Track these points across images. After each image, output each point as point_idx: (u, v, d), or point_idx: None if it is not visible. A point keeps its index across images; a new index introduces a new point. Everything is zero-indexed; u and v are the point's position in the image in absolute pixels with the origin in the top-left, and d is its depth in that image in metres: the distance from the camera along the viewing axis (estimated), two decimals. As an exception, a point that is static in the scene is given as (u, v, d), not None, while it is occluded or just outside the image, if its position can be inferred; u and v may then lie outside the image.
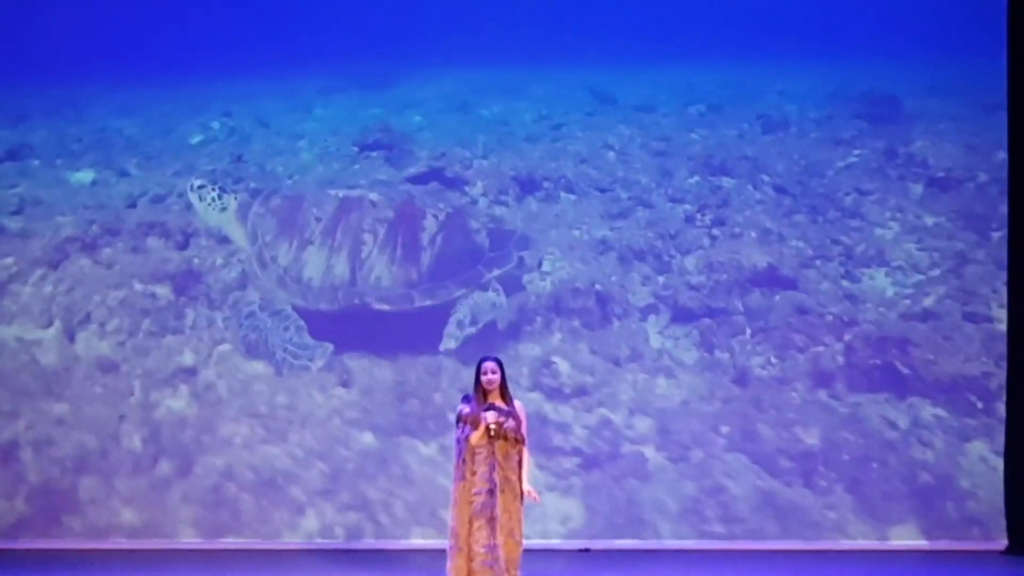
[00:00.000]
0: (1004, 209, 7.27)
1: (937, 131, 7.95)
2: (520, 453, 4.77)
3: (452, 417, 4.82)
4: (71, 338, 7.47)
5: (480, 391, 4.76)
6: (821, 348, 6.78)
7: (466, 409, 4.77)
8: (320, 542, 6.89)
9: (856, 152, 8.10)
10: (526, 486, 4.76)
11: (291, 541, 6.88)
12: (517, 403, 4.83)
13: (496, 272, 7.24)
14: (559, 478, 6.81)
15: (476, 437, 4.70)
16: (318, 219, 7.50)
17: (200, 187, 7.77)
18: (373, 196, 7.57)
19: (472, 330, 7.10)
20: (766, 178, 8.12)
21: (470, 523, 4.69)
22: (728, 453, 6.74)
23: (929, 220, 7.64)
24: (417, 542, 6.78)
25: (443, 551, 4.79)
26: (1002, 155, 7.48)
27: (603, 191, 8.23)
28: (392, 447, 7.04)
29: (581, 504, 6.75)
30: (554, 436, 6.84)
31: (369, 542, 6.86)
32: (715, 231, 7.80)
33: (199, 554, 6.79)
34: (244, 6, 8.75)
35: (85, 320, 7.47)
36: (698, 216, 7.86)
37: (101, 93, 8.61)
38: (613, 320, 7.40)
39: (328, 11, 8.69)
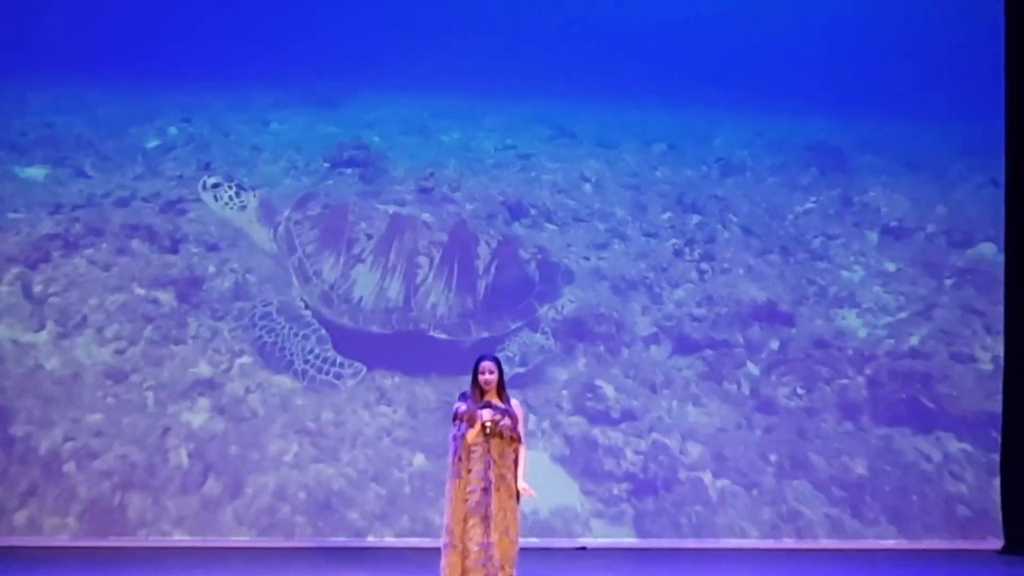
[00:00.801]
0: (955, 259, 8.21)
1: (884, 183, 8.88)
2: (516, 451, 4.89)
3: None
4: (69, 343, 7.47)
5: (477, 389, 4.88)
6: (846, 380, 7.22)
7: (462, 407, 4.89)
8: (310, 540, 7.03)
9: (813, 199, 8.89)
10: (522, 484, 4.87)
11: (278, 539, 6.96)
12: (514, 401, 4.95)
13: (546, 307, 7.53)
14: (608, 504, 6.99)
15: (472, 435, 4.82)
16: (368, 235, 7.50)
17: (215, 185, 7.76)
18: (426, 217, 7.67)
19: (521, 370, 7.31)
20: (734, 218, 8.74)
21: (464, 521, 4.78)
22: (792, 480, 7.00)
23: (890, 266, 8.42)
24: (411, 540, 6.94)
25: (437, 549, 4.85)
26: (943, 209, 8.56)
27: (581, 221, 8.68)
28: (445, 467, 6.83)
29: (633, 529, 6.92)
30: (605, 461, 7.02)
31: (363, 540, 7.05)
32: (703, 265, 8.25)
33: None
34: (195, 14, 9.04)
35: (81, 324, 7.45)
36: (687, 250, 8.31)
37: (41, 87, 8.60)
38: (622, 348, 7.55)
39: (281, 27, 9.15)
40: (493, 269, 7.54)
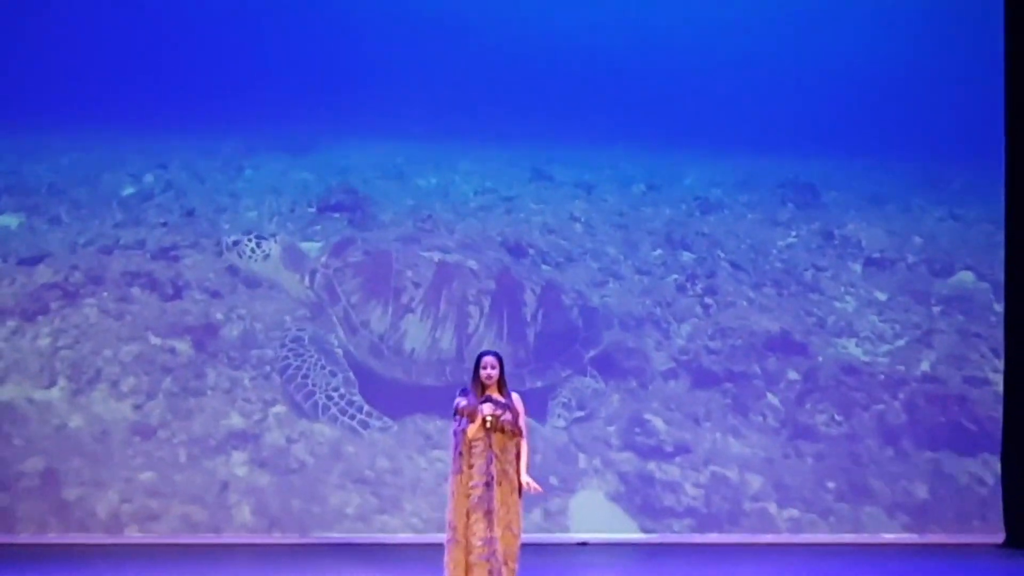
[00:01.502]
0: (939, 287, 8.75)
1: (858, 218, 9.47)
2: (518, 446, 4.99)
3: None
4: (84, 399, 7.56)
5: (478, 385, 4.99)
6: (882, 406, 7.55)
7: (463, 402, 4.98)
8: (317, 536, 7.17)
9: (793, 233, 9.35)
10: (525, 478, 4.97)
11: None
12: (515, 395, 5.05)
13: (592, 353, 7.73)
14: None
15: (473, 430, 4.90)
16: (416, 284, 7.57)
17: (235, 243, 8.00)
18: (472, 264, 7.86)
19: (581, 414, 7.54)
20: (721, 254, 9.13)
21: (467, 516, 4.88)
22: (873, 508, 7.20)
23: (880, 295, 8.87)
24: (414, 536, 7.11)
25: (440, 544, 4.98)
26: (919, 240, 9.15)
27: (573, 260, 8.92)
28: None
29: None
30: (664, 496, 7.19)
31: (363, 536, 7.22)
32: (707, 300, 8.57)
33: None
34: (160, 61, 9.22)
35: (95, 378, 7.53)
36: (688, 285, 8.63)
37: (4, 134, 8.67)
38: (648, 383, 7.73)
39: (249, 74, 9.39)
40: (540, 316, 7.80)
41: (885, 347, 8.55)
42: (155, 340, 7.65)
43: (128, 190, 8.74)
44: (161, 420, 7.45)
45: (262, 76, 9.45)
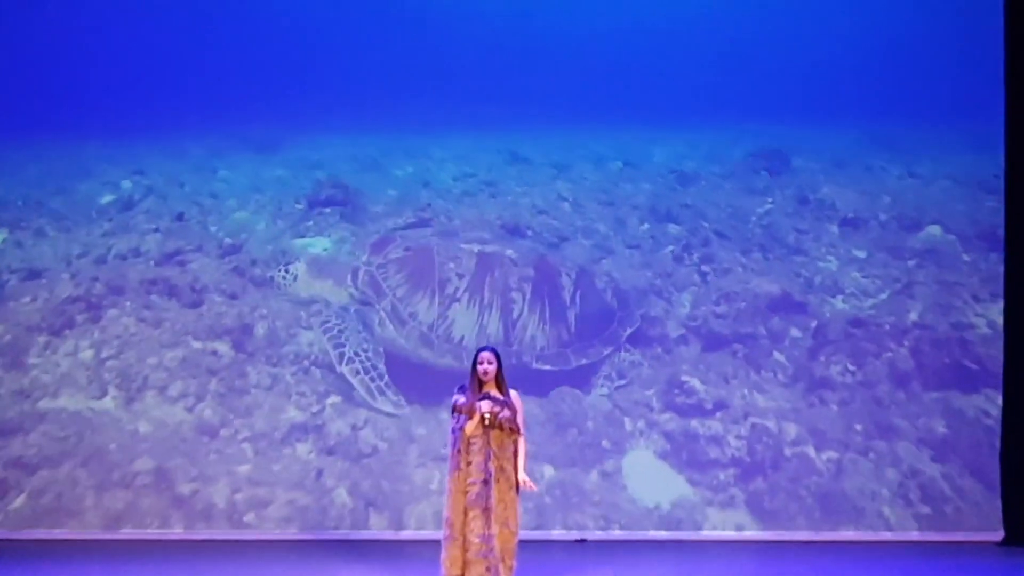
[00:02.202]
0: (911, 242, 9.48)
1: (831, 180, 10.14)
2: (516, 443, 5.13)
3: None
4: (139, 405, 7.90)
5: (476, 381, 5.12)
6: (890, 353, 8.11)
7: (461, 399, 5.11)
8: (314, 533, 7.55)
9: (770, 200, 9.92)
10: (522, 476, 5.11)
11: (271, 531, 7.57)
12: (513, 393, 5.18)
13: (629, 331, 8.35)
14: (715, 491, 7.66)
15: (471, 427, 5.03)
16: (459, 275, 8.10)
17: (271, 278, 8.37)
18: (510, 253, 8.39)
19: (622, 382, 8.18)
20: (705, 224, 9.59)
21: (465, 513, 5.01)
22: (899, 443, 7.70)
23: (859, 253, 9.54)
24: (410, 532, 7.44)
25: (438, 541, 5.11)
26: (888, 199, 9.88)
27: (565, 240, 9.36)
28: (574, 475, 7.72)
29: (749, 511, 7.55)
30: (709, 450, 7.73)
31: (361, 532, 7.56)
32: (704, 268, 9.11)
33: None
34: (120, 66, 9.47)
35: (144, 385, 7.92)
36: (685, 256, 9.16)
37: None
38: (672, 348, 8.38)
39: (212, 74, 9.73)
40: (579, 299, 8.34)
41: (870, 301, 9.24)
42: (196, 344, 7.99)
43: (107, 198, 9.00)
44: (223, 419, 7.75)
45: (226, 77, 9.70)
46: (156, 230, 8.77)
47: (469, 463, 5.04)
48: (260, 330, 8.14)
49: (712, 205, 9.78)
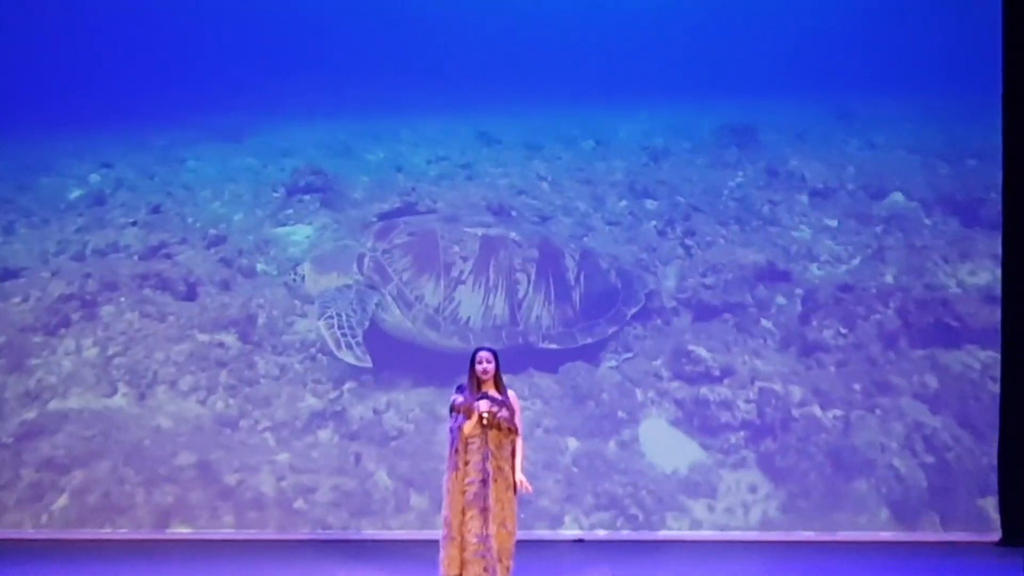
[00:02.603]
0: (877, 209, 9.91)
1: (798, 153, 10.52)
2: (514, 443, 5.21)
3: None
4: (153, 401, 8.03)
5: (474, 381, 5.20)
6: (878, 315, 8.46)
7: (460, 399, 5.18)
8: (312, 532, 7.72)
9: (741, 173, 10.24)
10: (519, 476, 5.19)
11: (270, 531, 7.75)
12: (511, 393, 5.27)
13: (634, 310, 8.64)
14: (727, 454, 7.99)
15: (469, 426, 5.09)
16: (464, 258, 8.29)
17: (285, 283, 8.49)
18: (514, 235, 8.62)
19: (629, 355, 8.46)
20: (681, 199, 9.86)
21: (463, 513, 5.08)
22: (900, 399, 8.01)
23: (830, 222, 9.94)
24: (409, 532, 7.64)
25: (436, 541, 5.20)
26: (852, 169, 10.33)
27: (546, 219, 9.56)
28: (596, 446, 7.97)
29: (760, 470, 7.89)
30: (720, 415, 8.04)
31: (360, 533, 7.76)
32: (688, 241, 9.37)
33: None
34: (80, 56, 9.40)
35: (154, 381, 8.03)
36: (668, 230, 9.42)
37: None
38: (672, 320, 8.67)
39: (173, 63, 9.71)
40: (583, 280, 8.59)
41: (844, 267, 9.65)
42: (203, 337, 8.04)
43: (75, 192, 8.96)
44: (241, 411, 7.87)
45: (188, 65, 9.63)
46: (133, 223, 8.71)
47: (467, 463, 5.12)
48: (262, 320, 8.21)
49: (686, 180, 10.02)
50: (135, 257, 8.60)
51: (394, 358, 8.18)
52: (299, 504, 7.62)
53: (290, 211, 8.97)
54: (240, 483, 7.62)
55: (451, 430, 5.21)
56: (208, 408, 7.91)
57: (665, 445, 7.83)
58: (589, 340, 8.33)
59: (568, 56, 10.44)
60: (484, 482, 5.07)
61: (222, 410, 7.94)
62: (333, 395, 7.95)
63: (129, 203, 9.00)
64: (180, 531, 7.74)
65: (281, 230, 8.83)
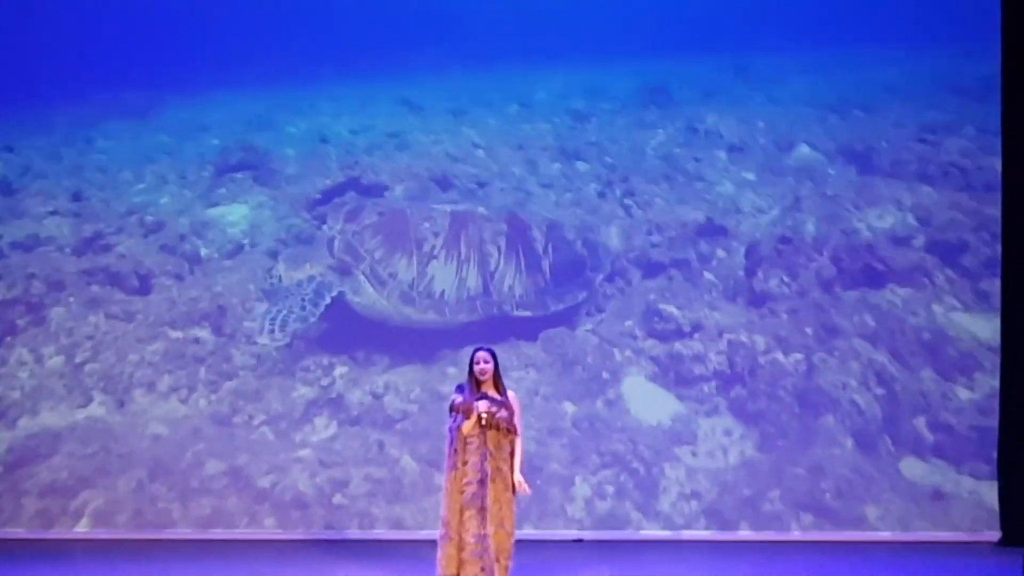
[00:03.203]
0: (788, 161, 10.60)
1: (712, 110, 11.02)
2: (512, 443, 5.35)
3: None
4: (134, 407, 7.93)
5: (473, 381, 5.35)
6: (815, 263, 8.98)
7: (459, 399, 5.31)
8: (306, 532, 7.81)
9: (662, 132, 10.67)
10: (517, 477, 5.33)
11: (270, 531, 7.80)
12: (510, 393, 5.41)
13: (600, 276, 9.01)
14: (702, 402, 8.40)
15: (468, 427, 5.23)
16: (435, 234, 8.52)
17: (265, 289, 8.38)
18: (482, 210, 8.90)
19: (601, 316, 8.81)
20: (608, 159, 10.12)
21: (461, 512, 5.21)
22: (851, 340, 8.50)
23: (749, 176, 10.54)
24: (408, 532, 7.81)
25: (434, 541, 5.31)
26: (762, 124, 10.99)
27: (484, 184, 9.68)
28: (589, 407, 8.32)
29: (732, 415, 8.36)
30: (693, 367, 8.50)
31: (359, 532, 7.87)
32: (627, 201, 9.61)
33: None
34: None
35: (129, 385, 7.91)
36: (608, 191, 9.66)
37: None
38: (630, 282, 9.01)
39: (72, 38, 9.34)
40: (551, 250, 8.89)
41: (766, 218, 10.30)
42: (176, 334, 7.91)
43: None
44: (232, 407, 7.75)
45: (87, 37, 9.13)
46: (54, 213, 8.28)
47: (465, 463, 5.22)
48: (229, 310, 8.10)
49: (612, 141, 10.19)
50: (67, 251, 8.20)
51: (374, 340, 8.22)
52: (338, 499, 7.65)
53: (222, 191, 8.72)
54: (275, 484, 7.58)
55: (450, 430, 5.30)
56: (192, 407, 7.80)
57: (646, 400, 8.21)
58: (561, 307, 8.65)
59: (483, 19, 10.34)
60: (482, 482, 5.19)
61: (212, 409, 7.83)
62: (325, 382, 7.93)
63: (45, 191, 8.55)
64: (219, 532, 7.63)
65: (215, 211, 8.53)
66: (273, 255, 8.52)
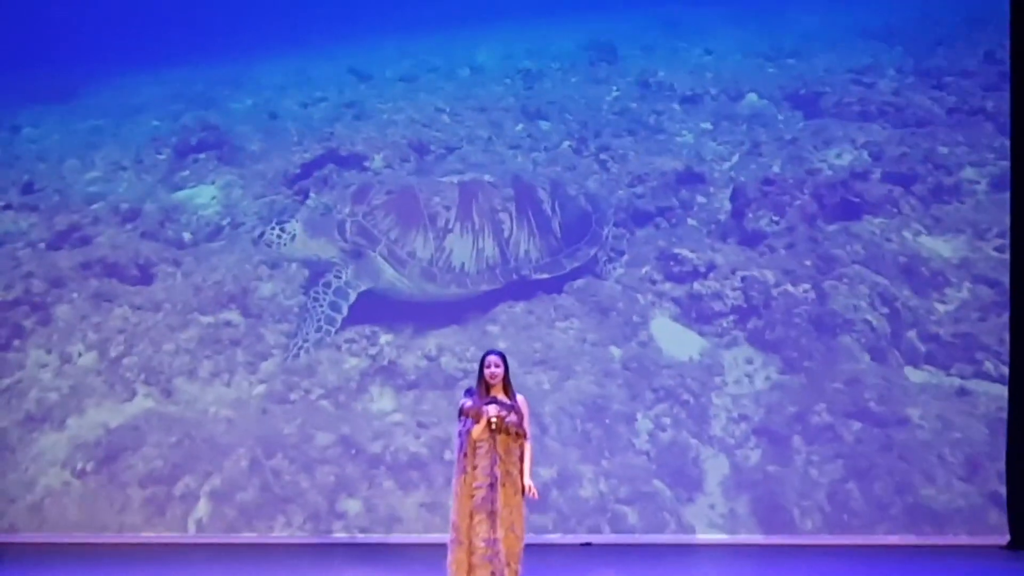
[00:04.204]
0: (739, 109, 10.90)
1: (660, 64, 11.26)
2: (522, 447, 5.43)
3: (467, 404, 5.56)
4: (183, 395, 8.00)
5: (483, 384, 5.42)
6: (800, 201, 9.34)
7: (468, 402, 5.40)
8: (318, 536, 7.94)
9: (616, 88, 10.88)
10: (527, 481, 5.42)
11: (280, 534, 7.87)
12: (520, 397, 5.47)
13: (607, 229, 9.20)
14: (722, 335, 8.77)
15: (477, 431, 5.32)
16: (447, 207, 8.69)
17: (261, 235, 8.36)
18: (488, 177, 9.09)
19: (622, 269, 9.12)
20: (569, 117, 10.20)
21: (471, 517, 5.32)
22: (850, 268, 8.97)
23: (706, 125, 10.90)
24: (416, 536, 7.94)
25: (444, 545, 5.43)
26: (710, 75, 11.36)
27: (453, 149, 9.74)
28: (632, 349, 8.64)
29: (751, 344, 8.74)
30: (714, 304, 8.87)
31: (370, 536, 7.98)
32: (603, 156, 9.76)
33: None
34: None
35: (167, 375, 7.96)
36: (582, 148, 9.84)
37: None
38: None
39: None
40: (558, 209, 9.08)
41: (727, 164, 10.69)
42: (206, 319, 7.94)
43: None
44: (287, 384, 7.81)
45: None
46: (7, 207, 7.93)
47: (475, 467, 5.30)
48: (260, 290, 8.06)
49: (569, 99, 10.26)
50: (40, 246, 7.95)
51: (405, 312, 8.43)
52: (448, 455, 7.60)
53: (186, 172, 8.47)
54: (385, 449, 7.66)
55: (459, 434, 5.36)
56: (245, 391, 7.83)
57: (675, 339, 8.59)
58: (576, 264, 8.86)
59: None
60: (492, 486, 5.27)
61: (269, 389, 7.91)
62: (373, 351, 8.06)
63: (-1, 184, 7.93)
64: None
65: (182, 194, 8.23)
66: (258, 233, 8.31)
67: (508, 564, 5.23)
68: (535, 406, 7.80)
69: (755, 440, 8.18)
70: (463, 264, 8.56)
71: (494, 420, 5.24)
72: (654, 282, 8.78)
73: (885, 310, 8.62)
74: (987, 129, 9.50)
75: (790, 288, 8.61)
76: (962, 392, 8.36)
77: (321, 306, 8.05)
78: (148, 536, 7.61)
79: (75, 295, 7.98)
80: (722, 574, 7.42)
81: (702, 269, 8.79)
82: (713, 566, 7.48)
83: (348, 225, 8.46)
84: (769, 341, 8.60)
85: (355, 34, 10.08)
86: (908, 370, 8.49)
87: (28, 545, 7.43)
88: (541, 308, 8.50)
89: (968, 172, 9.47)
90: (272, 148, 8.90)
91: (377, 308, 8.33)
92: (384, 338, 8.09)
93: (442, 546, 5.36)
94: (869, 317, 8.51)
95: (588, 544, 7.88)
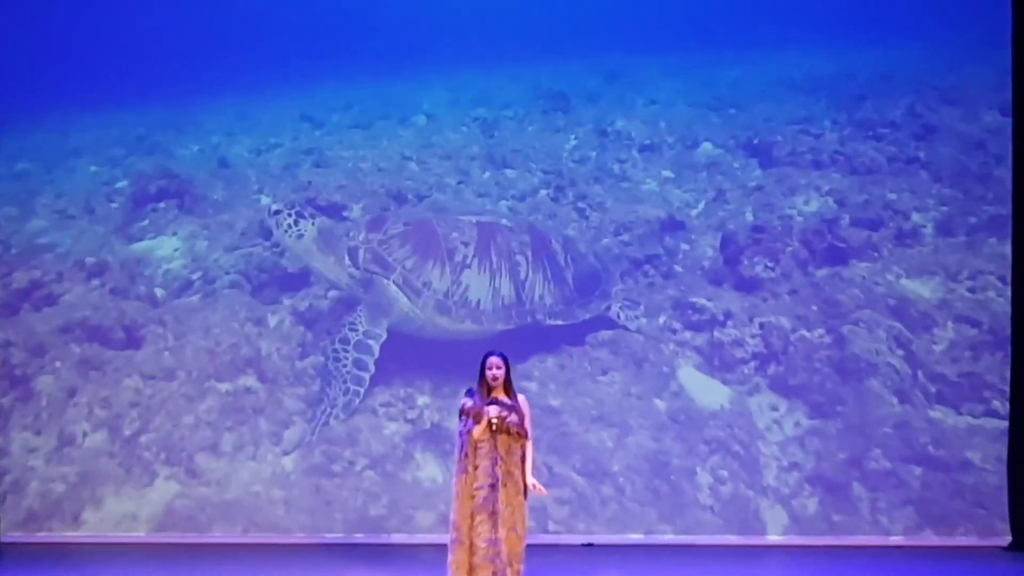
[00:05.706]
0: (695, 158, 10.96)
1: (615, 113, 11.34)
2: (523, 447, 5.63)
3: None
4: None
5: (484, 385, 5.61)
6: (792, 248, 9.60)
7: (469, 403, 5.59)
8: (318, 536, 8.11)
9: (574, 136, 10.90)
10: (530, 480, 5.61)
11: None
12: (521, 397, 5.66)
13: (618, 287, 9.50)
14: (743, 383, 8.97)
15: (478, 431, 5.52)
16: (465, 244, 8.88)
17: (276, 212, 8.56)
18: (505, 221, 9.33)
19: (643, 319, 9.29)
20: (533, 165, 10.22)
21: (472, 517, 5.51)
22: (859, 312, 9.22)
23: (668, 173, 11.09)
24: (417, 536, 8.09)
25: (445, 545, 5.60)
26: (664, 124, 11.54)
27: (423, 198, 9.81)
28: (674, 400, 8.81)
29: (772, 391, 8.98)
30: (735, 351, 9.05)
31: (370, 536, 8.20)
32: (580, 204, 9.91)
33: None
34: None
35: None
36: (560, 196, 9.99)
37: None
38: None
39: None
40: (570, 260, 9.32)
41: (695, 211, 10.82)
42: (224, 386, 7.94)
43: None
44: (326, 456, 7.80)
45: None
46: None
47: (476, 467, 5.46)
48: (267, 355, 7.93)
49: (529, 147, 10.31)
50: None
51: (422, 360, 8.51)
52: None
53: (145, 223, 8.21)
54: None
55: (460, 434, 5.50)
56: (272, 464, 7.75)
57: (700, 388, 8.79)
58: (587, 316, 9.02)
59: (357, 29, 10.35)
60: (493, 487, 5.42)
61: (309, 461, 7.79)
62: (411, 415, 8.01)
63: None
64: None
65: (140, 246, 7.88)
66: (236, 286, 8.08)
67: (510, 564, 5.39)
68: (602, 465, 8.26)
69: (809, 488, 8.44)
70: (479, 300, 8.67)
71: (495, 420, 5.41)
72: (674, 331, 8.97)
73: (900, 352, 8.87)
74: (923, 177, 9.94)
75: (806, 333, 8.81)
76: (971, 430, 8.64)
77: (345, 365, 8.03)
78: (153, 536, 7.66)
79: (58, 364, 7.54)
80: (716, 572, 7.50)
81: (720, 317, 8.96)
82: (707, 565, 7.65)
83: (362, 252, 8.53)
84: (792, 387, 8.80)
85: (299, 79, 9.93)
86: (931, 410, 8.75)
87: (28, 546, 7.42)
88: (572, 362, 8.48)
89: (916, 217, 9.86)
90: (234, 197, 8.65)
91: (406, 361, 8.33)
92: (421, 400, 7.95)
93: (443, 546, 5.48)
94: (892, 360, 8.75)
95: (590, 545, 8.04)
